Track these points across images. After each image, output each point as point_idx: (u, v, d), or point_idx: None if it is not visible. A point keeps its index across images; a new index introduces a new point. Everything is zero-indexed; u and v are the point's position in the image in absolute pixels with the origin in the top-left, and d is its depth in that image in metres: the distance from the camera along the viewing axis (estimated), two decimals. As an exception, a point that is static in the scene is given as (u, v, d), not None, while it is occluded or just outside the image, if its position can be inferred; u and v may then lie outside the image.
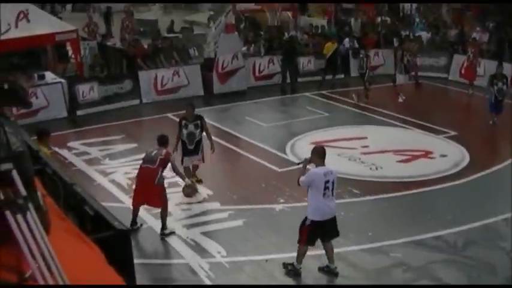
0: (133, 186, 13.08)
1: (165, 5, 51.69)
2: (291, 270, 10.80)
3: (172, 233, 12.42)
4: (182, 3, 45.28)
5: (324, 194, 10.22)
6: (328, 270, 10.83)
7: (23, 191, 3.54)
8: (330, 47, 25.97)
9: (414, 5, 33.25)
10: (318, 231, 10.51)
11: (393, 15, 34.56)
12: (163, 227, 12.43)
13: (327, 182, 10.19)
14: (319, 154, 10.48)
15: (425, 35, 28.78)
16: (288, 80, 24.99)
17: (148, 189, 12.28)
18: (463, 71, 25.26)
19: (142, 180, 12.38)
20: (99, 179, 15.52)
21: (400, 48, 25.48)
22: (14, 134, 4.03)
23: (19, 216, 3.41)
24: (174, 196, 13.81)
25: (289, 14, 32.71)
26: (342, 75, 26.94)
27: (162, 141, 12.74)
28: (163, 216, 12.41)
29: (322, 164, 10.38)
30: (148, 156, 12.45)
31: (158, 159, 12.24)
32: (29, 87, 18.75)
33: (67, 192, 6.01)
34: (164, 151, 12.45)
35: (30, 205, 3.56)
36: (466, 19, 31.71)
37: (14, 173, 3.55)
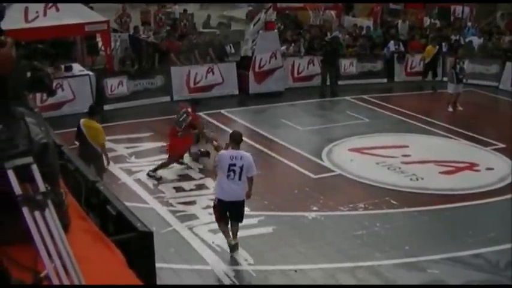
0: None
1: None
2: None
3: (159, 178, 15.29)
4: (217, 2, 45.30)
5: (228, 176, 11.29)
6: (228, 243, 11.87)
7: (42, 187, 3.58)
8: (430, 51, 25.81)
9: (466, 8, 32.98)
10: (223, 210, 11.66)
11: (443, 19, 34.33)
12: (155, 169, 15.53)
13: (233, 165, 11.25)
14: (233, 139, 11.64)
15: (476, 41, 28.47)
16: (328, 83, 24.91)
17: (171, 142, 15.92)
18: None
19: (169, 135, 16.06)
20: (123, 177, 15.64)
21: (453, 55, 25.19)
22: (38, 125, 4.07)
23: (37, 213, 3.44)
24: (202, 199, 13.89)
25: (333, 13, 32.60)
26: (385, 80, 26.83)
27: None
28: (163, 163, 15.55)
29: (236, 148, 11.51)
30: (177, 121, 15.86)
31: (183, 126, 15.66)
32: (55, 77, 19.12)
33: (89, 191, 6.07)
34: (190, 118, 15.61)
35: (50, 202, 3.59)
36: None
37: (34, 167, 3.59)
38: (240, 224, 11.98)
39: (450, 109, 22.55)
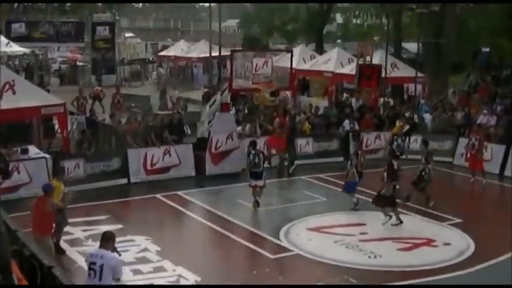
0: None
1: (159, 81, 52.44)
2: None
3: None
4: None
5: (89, 275, 10.56)
6: None
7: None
8: (399, 128, 25.55)
9: (419, 87, 33.74)
10: None
11: (397, 97, 35.04)
12: None
13: (93, 263, 10.55)
14: (102, 237, 11.09)
15: (428, 117, 29.09)
16: (286, 163, 25.12)
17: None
18: (468, 161, 24.51)
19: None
20: (81, 261, 15.40)
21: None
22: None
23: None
24: (160, 282, 13.80)
25: (288, 93, 33.09)
26: (341, 159, 27.10)
27: None
28: None
29: (103, 247, 10.82)
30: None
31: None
32: (10, 159, 19.18)
33: (44, 276, 6.06)
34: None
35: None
36: (472, 102, 32.17)
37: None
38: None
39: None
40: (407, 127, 25.62)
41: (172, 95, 35.83)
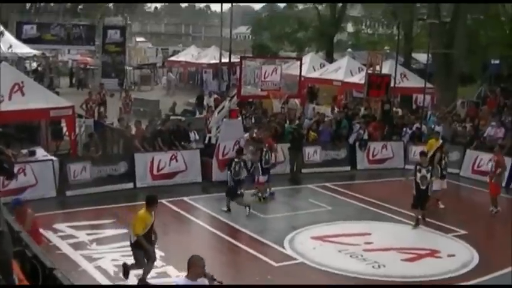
0: None
1: (168, 86, 52.63)
2: None
3: None
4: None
5: None
6: None
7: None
8: (433, 144, 23.22)
9: (427, 97, 33.76)
10: None
11: (405, 107, 35.07)
12: None
13: None
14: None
15: (436, 129, 29.05)
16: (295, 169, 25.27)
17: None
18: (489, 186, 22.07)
19: None
20: (84, 264, 15.48)
21: (438, 150, 22.71)
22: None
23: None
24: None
25: (297, 101, 33.15)
26: (348, 168, 27.15)
27: None
28: None
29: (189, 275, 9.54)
30: None
31: None
32: (16, 160, 19.04)
33: (46, 277, 6.09)
34: None
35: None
36: (481, 113, 32.14)
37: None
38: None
39: (442, 206, 21.61)
40: (440, 142, 23.60)
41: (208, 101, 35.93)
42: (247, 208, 20.13)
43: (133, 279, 14.15)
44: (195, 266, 9.41)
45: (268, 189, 22.46)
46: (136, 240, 13.46)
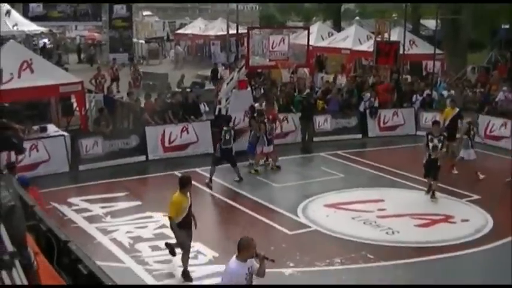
0: None
1: (176, 59, 52.47)
2: None
3: None
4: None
5: None
6: None
7: (10, 247, 3.56)
8: (449, 113, 22.82)
9: (437, 64, 33.49)
10: None
11: (415, 74, 34.80)
12: None
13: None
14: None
15: (446, 94, 28.80)
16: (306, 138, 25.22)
17: None
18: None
19: None
20: (99, 237, 15.52)
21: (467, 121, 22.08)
22: (6, 188, 4.07)
23: (3, 273, 3.42)
24: (178, 257, 13.78)
25: (306, 70, 32.96)
26: (360, 136, 27.03)
27: None
28: None
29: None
30: None
31: None
32: (27, 134, 18.92)
33: (61, 250, 6.04)
34: None
35: (17, 262, 3.57)
36: (492, 79, 31.87)
37: (1, 228, 3.58)
38: (215, 281, 11.82)
39: (481, 176, 21.21)
40: (457, 110, 22.90)
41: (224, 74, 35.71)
42: (239, 177, 20.48)
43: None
44: (248, 248, 9.42)
45: (274, 159, 22.46)
46: (170, 224, 13.21)
